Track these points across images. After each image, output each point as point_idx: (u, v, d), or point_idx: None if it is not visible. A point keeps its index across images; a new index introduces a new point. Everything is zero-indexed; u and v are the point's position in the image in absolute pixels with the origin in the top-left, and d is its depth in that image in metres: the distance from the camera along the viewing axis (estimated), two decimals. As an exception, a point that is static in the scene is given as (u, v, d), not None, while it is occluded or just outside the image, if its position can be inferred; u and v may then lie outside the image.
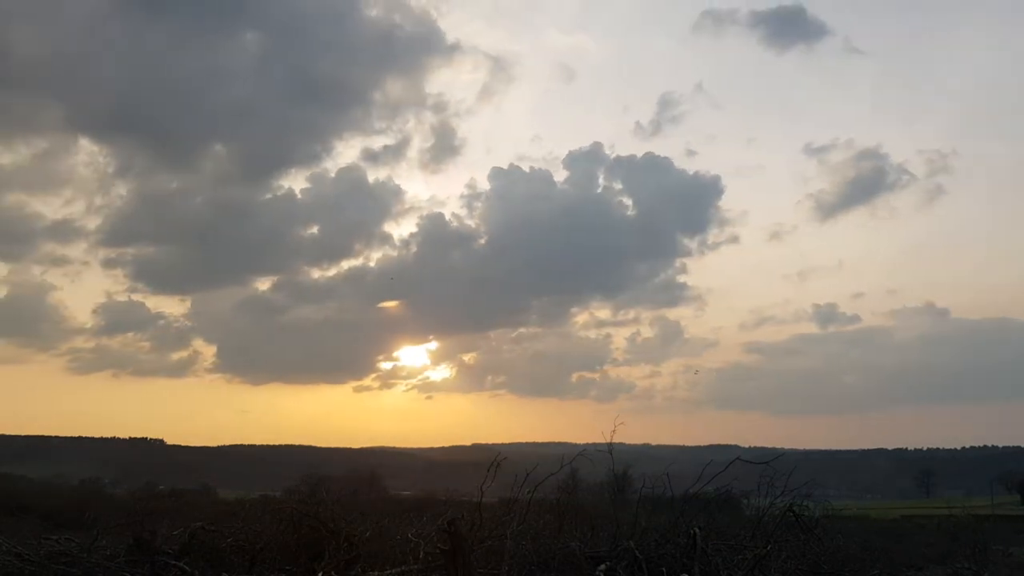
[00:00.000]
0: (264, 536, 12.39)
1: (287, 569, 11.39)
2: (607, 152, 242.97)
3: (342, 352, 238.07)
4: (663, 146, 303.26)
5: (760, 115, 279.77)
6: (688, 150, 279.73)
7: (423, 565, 11.27)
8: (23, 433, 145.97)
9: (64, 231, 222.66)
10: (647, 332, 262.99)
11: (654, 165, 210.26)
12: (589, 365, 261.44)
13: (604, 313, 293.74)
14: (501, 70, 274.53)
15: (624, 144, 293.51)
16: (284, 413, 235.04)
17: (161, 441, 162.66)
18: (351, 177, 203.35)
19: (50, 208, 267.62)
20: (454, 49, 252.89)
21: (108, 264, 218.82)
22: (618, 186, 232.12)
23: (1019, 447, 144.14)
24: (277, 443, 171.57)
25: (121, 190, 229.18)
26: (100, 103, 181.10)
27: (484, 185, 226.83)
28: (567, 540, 12.97)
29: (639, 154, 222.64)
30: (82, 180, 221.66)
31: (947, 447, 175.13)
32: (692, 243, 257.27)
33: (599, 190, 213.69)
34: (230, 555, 12.22)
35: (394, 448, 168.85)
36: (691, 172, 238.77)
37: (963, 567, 19.86)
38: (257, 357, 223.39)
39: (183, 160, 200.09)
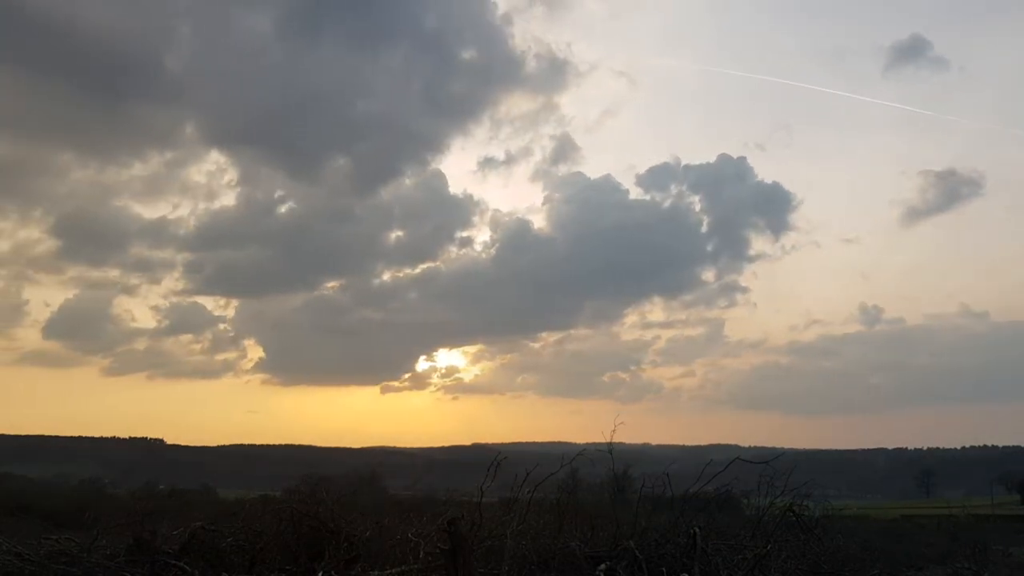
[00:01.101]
0: (264, 536, 12.36)
1: (287, 569, 11.38)
2: (685, 163, 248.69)
3: (388, 353, 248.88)
4: (758, 163, 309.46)
5: (857, 137, 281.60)
6: (779, 164, 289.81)
7: (423, 565, 11.27)
8: (23, 433, 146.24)
9: (155, 236, 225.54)
10: (691, 333, 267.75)
11: (733, 175, 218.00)
12: (623, 365, 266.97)
13: (656, 315, 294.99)
14: (619, 89, 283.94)
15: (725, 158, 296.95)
16: (293, 413, 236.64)
17: (161, 441, 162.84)
18: (445, 186, 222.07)
19: (155, 214, 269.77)
20: (572, 70, 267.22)
21: (188, 268, 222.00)
22: (696, 196, 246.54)
23: (1019, 447, 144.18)
24: (277, 443, 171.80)
25: (229, 198, 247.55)
26: (237, 117, 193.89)
27: (571, 196, 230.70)
28: (567, 540, 12.96)
29: (722, 166, 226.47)
30: (196, 188, 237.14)
31: (947, 447, 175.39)
32: (763, 249, 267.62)
33: (675, 199, 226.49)
34: (230, 555, 12.20)
35: (394, 448, 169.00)
36: (769, 182, 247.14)
37: (963, 567, 19.87)
38: (301, 359, 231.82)
39: (302, 171, 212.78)
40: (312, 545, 11.79)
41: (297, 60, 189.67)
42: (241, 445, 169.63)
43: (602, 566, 11.32)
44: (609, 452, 14.85)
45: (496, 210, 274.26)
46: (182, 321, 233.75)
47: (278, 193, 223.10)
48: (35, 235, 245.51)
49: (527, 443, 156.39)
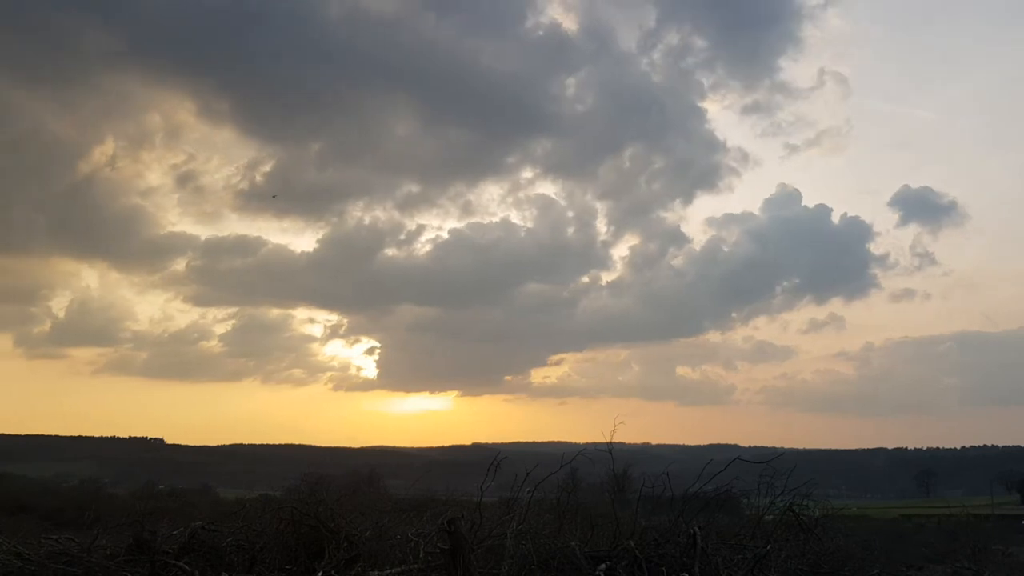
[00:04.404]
0: (264, 536, 12.37)
1: (287, 569, 11.38)
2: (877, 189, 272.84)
3: (520, 356, 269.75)
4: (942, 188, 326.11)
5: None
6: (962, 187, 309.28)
7: (423, 565, 11.27)
8: (23, 433, 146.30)
9: (400, 243, 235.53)
10: (799, 340, 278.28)
11: (920, 199, 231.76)
12: (729, 367, 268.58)
13: (799, 321, 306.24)
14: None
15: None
16: (301, 414, 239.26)
17: (161, 441, 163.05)
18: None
19: (420, 235, 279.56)
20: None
21: (393, 281, 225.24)
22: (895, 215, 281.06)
23: (1019, 447, 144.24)
24: (277, 443, 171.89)
25: (499, 221, 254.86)
26: (578, 152, 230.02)
27: (775, 218, 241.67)
28: (567, 540, 12.94)
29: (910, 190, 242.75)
30: (482, 211, 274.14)
31: (947, 447, 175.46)
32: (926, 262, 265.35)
33: (871, 218, 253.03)
34: (230, 555, 12.20)
35: (394, 448, 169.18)
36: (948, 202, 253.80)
37: (963, 567, 19.87)
38: (416, 366, 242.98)
39: (602, 197, 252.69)
40: (312, 545, 11.79)
41: (655, 105, 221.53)
42: (241, 445, 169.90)
43: (602, 566, 11.32)
44: (609, 452, 14.85)
45: (700, 231, 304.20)
46: (335, 330, 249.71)
47: (548, 217, 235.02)
48: (293, 251, 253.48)
49: (527, 443, 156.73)
